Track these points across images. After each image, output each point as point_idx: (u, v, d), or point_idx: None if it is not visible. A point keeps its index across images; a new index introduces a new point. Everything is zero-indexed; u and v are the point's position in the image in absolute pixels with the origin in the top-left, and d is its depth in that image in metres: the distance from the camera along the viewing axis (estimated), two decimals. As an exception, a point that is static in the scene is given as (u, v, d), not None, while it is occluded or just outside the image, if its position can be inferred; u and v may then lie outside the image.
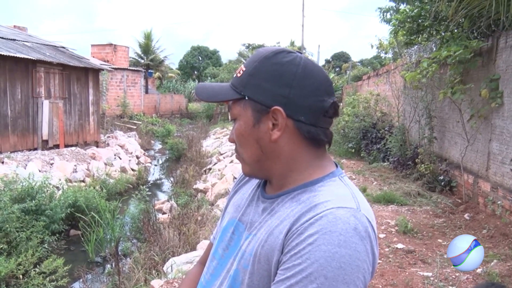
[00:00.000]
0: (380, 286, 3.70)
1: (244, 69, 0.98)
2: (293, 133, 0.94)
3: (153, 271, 5.45)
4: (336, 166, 1.01)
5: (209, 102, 1.00)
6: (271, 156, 0.97)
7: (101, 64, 18.66)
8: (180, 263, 4.82)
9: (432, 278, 3.78)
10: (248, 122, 0.96)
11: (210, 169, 13.01)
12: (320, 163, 0.98)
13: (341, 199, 0.88)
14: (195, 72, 53.48)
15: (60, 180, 10.18)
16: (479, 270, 3.89)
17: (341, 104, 20.63)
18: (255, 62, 0.96)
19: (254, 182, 1.12)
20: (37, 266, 6.24)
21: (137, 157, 16.43)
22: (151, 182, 14.45)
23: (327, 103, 0.94)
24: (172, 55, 62.46)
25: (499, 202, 5.30)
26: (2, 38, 13.19)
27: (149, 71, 32.72)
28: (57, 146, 13.40)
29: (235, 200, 1.13)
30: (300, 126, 0.93)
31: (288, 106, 0.92)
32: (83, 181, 11.44)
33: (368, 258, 0.84)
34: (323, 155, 0.99)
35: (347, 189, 0.93)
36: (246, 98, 0.96)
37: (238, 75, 0.99)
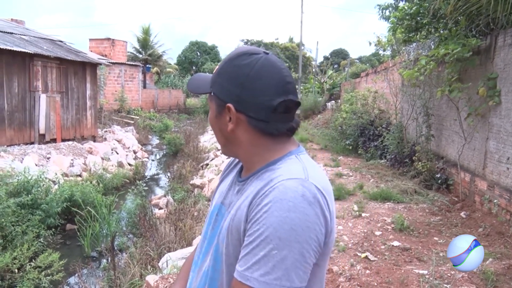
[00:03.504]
0: (375, 284, 3.70)
1: (217, 67, 1.16)
2: (246, 126, 1.09)
3: (149, 267, 5.44)
4: (298, 146, 1.15)
5: (192, 93, 1.18)
6: (233, 143, 1.14)
7: (99, 59, 18.58)
8: (176, 259, 4.81)
9: (427, 276, 3.79)
10: (214, 114, 1.15)
11: (207, 164, 12.98)
12: (280, 146, 1.11)
13: (291, 172, 1.01)
14: (194, 68, 53.29)
15: (56, 174, 10.14)
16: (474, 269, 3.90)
17: (339, 101, 20.62)
18: (223, 62, 1.14)
19: (236, 169, 1.27)
20: (33, 260, 6.22)
21: (134, 152, 16.39)
22: (148, 177, 14.42)
23: (275, 102, 1.06)
24: (170, 50, 62.25)
25: (495, 201, 5.31)
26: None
27: (147, 66, 32.64)
28: (54, 140, 13.35)
29: (221, 187, 1.29)
30: (250, 121, 1.08)
31: (239, 103, 1.07)
32: (79, 175, 11.40)
33: (319, 220, 0.96)
34: (284, 140, 1.12)
35: (300, 164, 1.05)
36: (212, 93, 1.14)
37: (214, 72, 1.16)
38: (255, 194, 1.01)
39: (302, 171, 1.02)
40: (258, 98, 1.06)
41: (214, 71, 1.16)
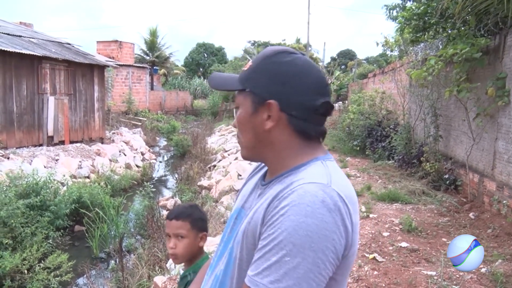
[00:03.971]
0: (384, 285, 3.68)
1: (250, 64, 1.12)
2: (285, 126, 1.05)
3: (157, 268, 5.46)
4: (327, 153, 1.11)
5: (217, 90, 1.20)
6: (265, 143, 1.08)
7: (106, 61, 18.69)
8: (183, 260, 4.82)
9: (435, 277, 3.76)
10: (247, 111, 1.08)
11: (214, 166, 13.00)
12: (310, 151, 1.07)
13: (314, 176, 0.97)
14: (201, 69, 53.48)
15: (64, 176, 10.21)
16: (483, 270, 3.87)
17: (346, 101, 20.57)
18: (259, 59, 1.09)
19: (260, 174, 1.23)
20: (42, 261, 6.27)
21: (142, 154, 16.46)
22: (156, 178, 14.47)
23: (318, 102, 1.04)
24: (177, 52, 62.36)
25: (504, 202, 5.27)
26: (8, 34, 13.25)
27: (154, 67, 32.75)
28: (62, 142, 13.45)
29: (243, 191, 1.24)
30: (291, 120, 1.04)
31: (282, 101, 1.03)
32: (87, 177, 11.47)
33: (338, 230, 0.90)
34: (314, 145, 1.09)
35: (325, 169, 1.01)
36: (247, 90, 1.08)
37: (245, 69, 1.12)
38: (273, 196, 0.98)
39: (325, 176, 0.97)
40: (301, 97, 1.04)
41: (246, 68, 1.12)
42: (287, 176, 1.03)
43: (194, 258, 1.76)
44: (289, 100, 1.03)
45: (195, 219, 1.74)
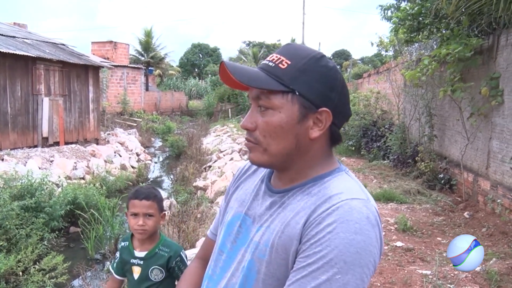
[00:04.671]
0: (379, 284, 3.69)
1: (288, 62, 0.97)
2: (326, 134, 1.01)
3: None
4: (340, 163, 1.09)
5: (249, 86, 0.96)
6: (301, 152, 1.00)
7: (101, 61, 18.61)
8: (179, 261, 4.81)
9: (430, 276, 3.78)
10: (292, 117, 0.97)
11: (210, 166, 12.98)
12: (329, 160, 1.05)
13: (352, 191, 0.96)
14: (196, 70, 53.43)
15: (59, 177, 10.16)
16: (478, 269, 3.89)
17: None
18: (304, 59, 0.97)
19: (256, 177, 1.15)
20: (37, 263, 6.23)
21: (137, 155, 16.41)
22: (151, 179, 14.43)
23: (351, 112, 1.06)
24: (172, 52, 62.17)
25: (498, 201, 5.30)
26: (2, 35, 13.16)
27: (149, 68, 32.68)
28: (57, 143, 13.38)
29: (238, 196, 1.16)
30: (333, 129, 1.01)
31: (333, 109, 0.98)
32: (83, 178, 11.42)
33: (378, 244, 0.92)
34: (332, 153, 1.07)
35: (355, 182, 1.01)
36: (297, 93, 0.96)
37: (281, 66, 0.97)
38: (311, 211, 0.93)
39: (362, 192, 0.97)
40: (345, 106, 1.02)
41: (284, 67, 0.97)
42: (311, 187, 0.99)
43: (153, 235, 1.90)
44: (336, 108, 0.98)
45: (160, 199, 1.91)
